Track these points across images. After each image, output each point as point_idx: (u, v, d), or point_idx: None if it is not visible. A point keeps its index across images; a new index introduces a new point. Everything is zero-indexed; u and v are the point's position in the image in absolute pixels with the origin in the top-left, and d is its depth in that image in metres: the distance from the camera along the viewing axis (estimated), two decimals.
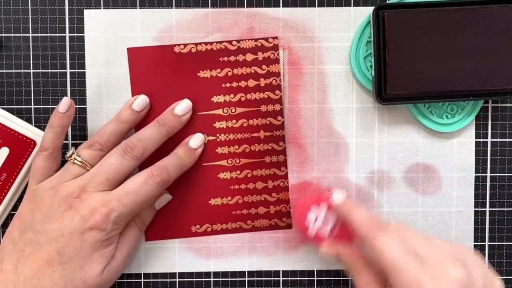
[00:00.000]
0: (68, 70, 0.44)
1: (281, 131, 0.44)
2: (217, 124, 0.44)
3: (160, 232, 0.45)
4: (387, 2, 0.43)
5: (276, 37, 0.44)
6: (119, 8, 0.44)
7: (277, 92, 0.44)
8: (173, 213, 0.45)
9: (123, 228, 0.42)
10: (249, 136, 0.44)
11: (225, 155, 0.44)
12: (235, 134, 0.44)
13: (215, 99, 0.44)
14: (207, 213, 0.45)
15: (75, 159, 0.41)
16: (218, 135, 0.44)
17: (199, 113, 0.44)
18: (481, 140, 0.45)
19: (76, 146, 0.42)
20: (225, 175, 0.45)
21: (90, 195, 0.39)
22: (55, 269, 0.39)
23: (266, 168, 0.45)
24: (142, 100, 0.43)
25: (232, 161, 0.45)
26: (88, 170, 0.41)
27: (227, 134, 0.44)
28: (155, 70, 0.44)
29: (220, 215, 0.45)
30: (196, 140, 0.43)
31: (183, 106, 0.43)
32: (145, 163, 0.42)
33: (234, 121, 0.44)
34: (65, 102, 0.41)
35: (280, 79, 0.44)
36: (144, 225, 0.43)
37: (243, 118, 0.44)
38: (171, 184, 0.42)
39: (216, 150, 0.44)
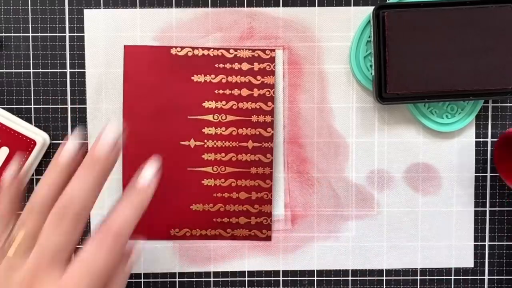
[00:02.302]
0: (68, 70, 0.44)
1: (270, 143, 0.44)
2: (206, 130, 0.44)
3: (138, 232, 0.45)
4: (387, 2, 0.43)
5: (273, 50, 0.44)
6: (119, 8, 0.44)
7: (269, 103, 0.44)
8: (153, 214, 0.45)
9: None
10: (237, 145, 0.44)
11: (211, 162, 0.44)
12: (223, 141, 0.44)
13: (206, 104, 0.44)
14: (187, 217, 0.45)
15: (9, 251, 0.33)
16: (206, 141, 0.44)
17: (188, 117, 0.44)
18: (481, 140, 0.45)
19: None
20: (209, 182, 0.45)
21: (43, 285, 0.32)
22: None
23: (251, 179, 0.45)
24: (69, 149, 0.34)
25: (217, 168, 0.44)
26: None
27: (215, 141, 0.44)
28: (149, 69, 0.44)
29: (200, 221, 0.45)
30: (146, 176, 0.35)
31: (108, 136, 0.34)
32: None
33: (223, 128, 0.44)
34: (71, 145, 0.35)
35: (274, 91, 0.44)
36: None
37: (233, 126, 0.44)
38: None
39: (202, 156, 0.44)
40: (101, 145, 0.33)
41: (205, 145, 0.44)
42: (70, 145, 0.34)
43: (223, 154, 0.44)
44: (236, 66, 0.44)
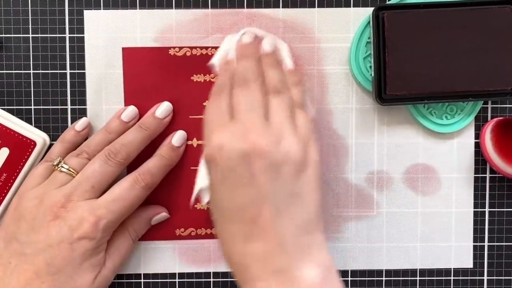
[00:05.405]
0: (68, 71, 0.44)
1: None
2: None
3: (144, 232, 0.45)
4: (387, 3, 0.43)
5: None
6: (119, 9, 0.44)
7: None
8: None
9: (117, 238, 0.42)
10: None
11: None
12: None
13: (207, 103, 0.44)
14: (192, 217, 0.45)
15: (62, 167, 0.40)
16: None
17: (190, 116, 0.44)
18: (480, 141, 0.45)
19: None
20: None
21: (76, 204, 0.39)
22: (44, 280, 0.38)
23: None
24: (130, 111, 0.43)
25: None
26: None
27: None
28: (149, 71, 0.44)
29: (205, 220, 0.45)
30: (178, 138, 0.43)
31: (163, 109, 0.43)
32: (132, 165, 0.42)
33: None
34: (83, 122, 0.43)
35: None
36: (138, 237, 0.44)
37: None
38: (158, 185, 0.42)
39: None
40: (153, 116, 0.42)
41: None
42: (132, 109, 0.43)
43: None
44: None
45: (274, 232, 0.33)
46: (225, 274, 0.45)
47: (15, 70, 0.44)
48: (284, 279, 0.33)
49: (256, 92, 0.37)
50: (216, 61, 0.41)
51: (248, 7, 0.44)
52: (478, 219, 0.46)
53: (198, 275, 0.45)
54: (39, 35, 0.44)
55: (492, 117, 0.45)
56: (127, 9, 0.44)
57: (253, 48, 0.39)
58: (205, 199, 0.41)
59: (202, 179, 0.40)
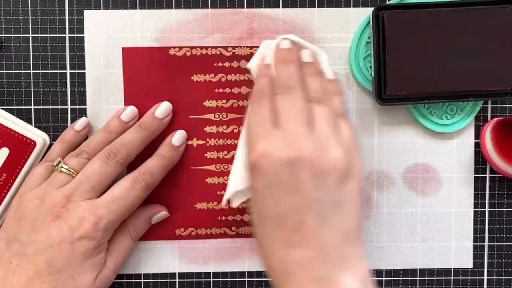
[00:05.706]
0: (68, 71, 0.44)
1: None
2: (208, 129, 0.44)
3: (144, 232, 0.45)
4: (387, 2, 0.43)
5: None
6: (119, 9, 0.44)
7: None
8: None
9: (117, 238, 0.42)
10: (239, 143, 0.44)
11: (214, 160, 0.44)
12: (225, 139, 0.44)
13: (207, 103, 0.44)
14: (192, 217, 0.45)
15: (62, 167, 0.40)
16: (208, 139, 0.44)
17: (190, 116, 0.44)
18: (480, 140, 0.45)
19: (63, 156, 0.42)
20: (212, 180, 0.45)
21: (77, 204, 0.39)
22: (45, 279, 0.38)
23: None
24: (130, 111, 0.43)
25: (220, 166, 0.45)
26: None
27: (217, 139, 0.44)
28: (149, 71, 0.44)
29: (205, 220, 0.45)
30: (178, 137, 0.43)
31: (163, 109, 0.43)
32: (132, 164, 0.42)
33: (224, 126, 0.44)
34: (83, 122, 0.43)
35: None
36: (138, 236, 0.44)
37: (234, 124, 0.44)
38: (158, 185, 0.42)
39: (205, 155, 0.44)
40: (153, 116, 0.42)
41: (208, 144, 0.44)
42: (131, 109, 0.43)
43: (225, 152, 0.44)
44: (234, 64, 0.44)
45: (317, 241, 0.33)
46: (225, 274, 0.45)
47: (15, 70, 0.44)
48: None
49: (299, 99, 0.36)
50: (253, 65, 0.41)
51: (248, 7, 0.44)
52: (478, 219, 0.46)
53: (198, 275, 0.45)
54: (39, 35, 0.44)
55: (492, 117, 0.45)
56: (127, 9, 0.44)
57: (294, 54, 0.39)
58: (237, 201, 0.40)
59: (238, 181, 0.39)
